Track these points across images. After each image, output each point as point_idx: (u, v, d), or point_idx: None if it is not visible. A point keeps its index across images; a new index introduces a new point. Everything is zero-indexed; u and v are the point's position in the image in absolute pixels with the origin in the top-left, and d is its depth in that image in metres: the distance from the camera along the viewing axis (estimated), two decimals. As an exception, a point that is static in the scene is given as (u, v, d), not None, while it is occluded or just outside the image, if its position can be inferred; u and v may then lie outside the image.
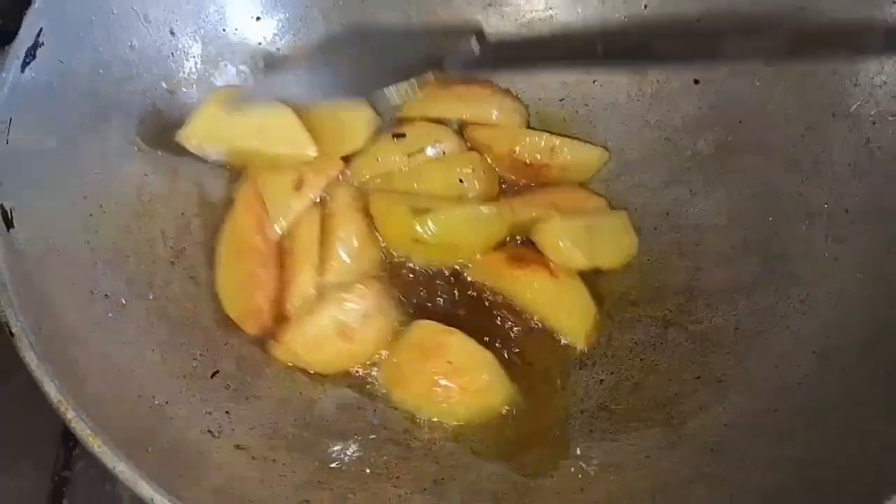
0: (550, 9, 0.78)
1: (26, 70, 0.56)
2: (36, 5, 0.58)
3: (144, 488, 0.43)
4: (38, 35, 0.57)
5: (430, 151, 0.71)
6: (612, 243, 0.71)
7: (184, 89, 0.69)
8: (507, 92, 0.77)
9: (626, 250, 0.71)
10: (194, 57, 0.70)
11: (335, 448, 0.61)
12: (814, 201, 0.66)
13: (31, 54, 0.57)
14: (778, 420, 0.60)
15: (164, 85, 0.68)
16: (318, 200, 0.69)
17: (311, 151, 0.68)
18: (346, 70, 0.67)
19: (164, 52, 0.68)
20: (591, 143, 0.75)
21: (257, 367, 0.64)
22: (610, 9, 0.76)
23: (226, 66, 0.72)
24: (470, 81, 0.75)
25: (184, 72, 0.69)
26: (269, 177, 0.68)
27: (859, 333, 0.60)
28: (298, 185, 0.68)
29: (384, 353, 0.65)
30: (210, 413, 0.57)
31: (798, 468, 0.56)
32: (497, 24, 0.78)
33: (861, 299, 0.61)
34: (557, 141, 0.73)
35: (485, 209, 0.68)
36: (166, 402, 0.55)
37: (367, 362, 0.65)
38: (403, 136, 0.72)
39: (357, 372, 0.65)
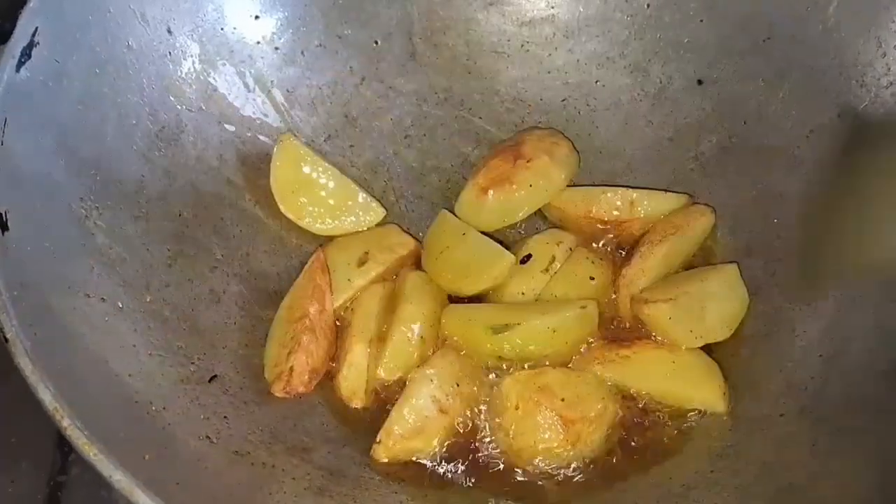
0: (552, 7, 0.77)
1: (21, 70, 0.56)
2: (31, 4, 0.57)
3: (141, 497, 0.43)
4: (34, 34, 0.57)
5: (559, 256, 0.69)
6: (726, 310, 0.65)
7: (181, 89, 0.68)
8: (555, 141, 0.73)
9: (739, 313, 0.66)
10: (192, 56, 0.69)
11: (336, 452, 0.61)
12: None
13: (26, 54, 0.56)
14: (784, 423, 0.59)
15: (161, 85, 0.67)
16: (384, 279, 0.68)
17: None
18: None
19: (161, 52, 0.67)
20: (670, 191, 0.71)
21: (256, 372, 0.64)
22: (611, 8, 0.75)
23: (224, 65, 0.71)
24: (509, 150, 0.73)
25: (182, 71, 0.68)
26: (336, 249, 0.69)
27: (864, 337, 0.59)
28: (363, 262, 0.68)
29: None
30: (208, 419, 0.56)
31: (804, 472, 0.55)
32: (498, 23, 0.77)
33: (866, 302, 0.60)
34: (635, 195, 0.70)
35: (570, 313, 0.63)
36: (164, 408, 0.54)
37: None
38: (530, 257, 0.69)
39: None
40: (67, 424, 0.44)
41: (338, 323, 0.67)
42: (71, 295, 0.55)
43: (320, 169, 0.71)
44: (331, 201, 0.71)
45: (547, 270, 0.68)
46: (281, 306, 0.67)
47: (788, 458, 0.57)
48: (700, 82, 0.73)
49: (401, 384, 0.63)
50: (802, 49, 0.68)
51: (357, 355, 0.64)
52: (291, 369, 0.62)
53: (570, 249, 0.69)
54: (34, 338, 0.47)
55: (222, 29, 0.71)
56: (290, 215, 0.71)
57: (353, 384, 0.64)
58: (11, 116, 0.54)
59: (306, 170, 0.71)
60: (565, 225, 0.72)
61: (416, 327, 0.64)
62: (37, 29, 0.57)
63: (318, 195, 0.71)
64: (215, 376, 0.60)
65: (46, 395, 0.45)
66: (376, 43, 0.76)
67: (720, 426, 0.61)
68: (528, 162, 0.70)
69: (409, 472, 0.60)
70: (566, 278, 0.67)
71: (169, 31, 0.67)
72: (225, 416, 0.57)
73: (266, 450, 0.57)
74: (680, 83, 0.74)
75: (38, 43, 0.57)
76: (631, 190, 0.71)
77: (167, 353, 0.58)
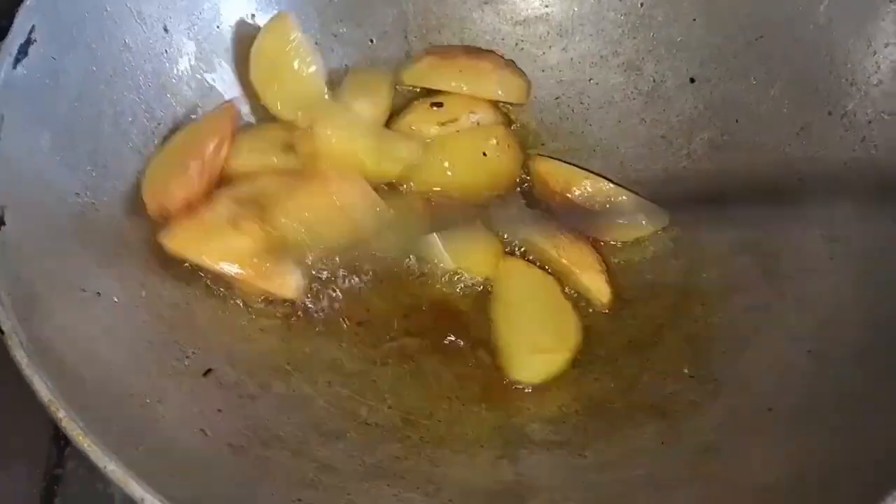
0: (546, 6, 0.78)
1: (18, 67, 0.56)
2: (28, 2, 0.57)
3: (135, 488, 0.43)
4: (31, 32, 0.57)
5: (464, 122, 0.71)
6: None
7: (178, 87, 0.69)
8: (510, 64, 0.76)
9: None
10: (188, 54, 0.69)
11: (329, 446, 0.61)
12: (809, 200, 0.66)
13: (23, 51, 0.57)
14: (773, 419, 0.59)
15: (158, 83, 0.67)
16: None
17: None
18: None
19: (157, 50, 0.67)
20: (652, 201, 0.72)
21: (250, 366, 0.64)
22: (605, 7, 0.76)
23: (220, 63, 0.71)
24: (472, 53, 0.75)
25: (178, 69, 0.68)
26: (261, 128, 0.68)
27: (854, 333, 0.59)
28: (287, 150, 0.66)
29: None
30: (203, 412, 0.57)
31: (793, 467, 0.56)
32: (492, 22, 0.78)
33: (856, 298, 0.61)
34: (623, 197, 0.71)
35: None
36: (158, 401, 0.54)
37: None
38: (441, 105, 0.72)
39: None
40: (63, 416, 0.45)
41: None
42: (67, 289, 0.55)
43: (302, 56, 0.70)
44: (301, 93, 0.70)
45: (444, 125, 0.71)
46: (175, 137, 0.66)
47: (776, 455, 0.58)
48: (692, 81, 0.74)
49: None
50: (794, 48, 0.68)
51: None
52: (170, 191, 0.62)
53: (478, 123, 0.72)
54: (30, 331, 0.48)
55: (218, 27, 0.71)
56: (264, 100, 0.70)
57: None
58: (8, 113, 0.55)
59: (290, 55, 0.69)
60: (544, 196, 0.73)
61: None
62: (34, 26, 0.57)
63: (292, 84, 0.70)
64: (210, 370, 0.60)
65: (42, 387, 0.45)
66: (371, 41, 0.77)
67: (710, 421, 0.62)
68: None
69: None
70: (465, 140, 0.71)
71: (165, 30, 0.68)
72: (219, 409, 0.58)
73: (260, 443, 0.57)
74: (673, 81, 0.74)
75: (35, 40, 0.57)
76: (620, 189, 0.71)
77: (162, 347, 0.59)
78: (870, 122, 0.64)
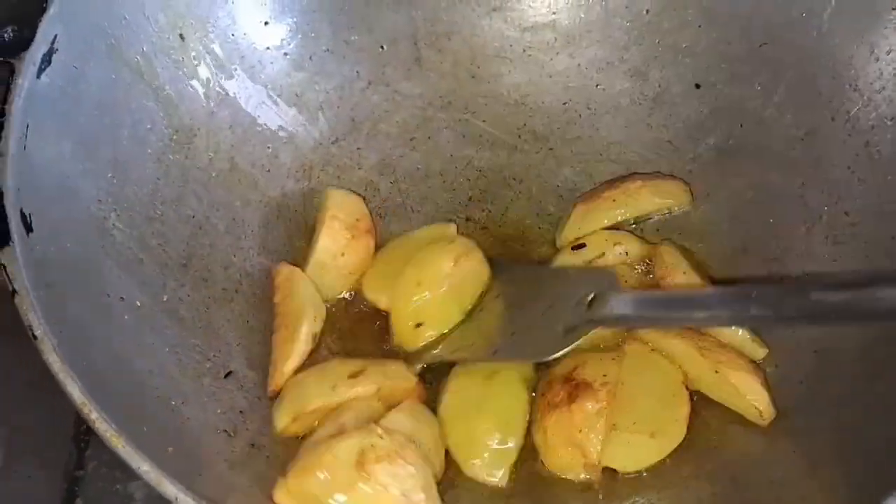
0: (553, 13, 0.79)
1: (42, 76, 0.57)
2: (51, 11, 0.58)
3: (168, 487, 0.44)
4: (54, 41, 0.58)
5: (610, 256, 0.69)
6: None
7: (194, 94, 0.70)
8: (657, 174, 0.74)
9: None
10: (204, 62, 0.70)
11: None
12: (813, 204, 0.67)
13: (46, 60, 0.57)
14: (778, 419, 0.61)
15: (175, 90, 0.68)
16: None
17: None
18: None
19: (174, 58, 0.68)
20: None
21: (268, 368, 0.65)
22: (612, 14, 0.77)
23: (235, 70, 0.72)
24: (613, 182, 0.74)
25: (194, 77, 0.70)
26: (337, 362, 0.64)
27: (858, 333, 0.61)
28: (354, 375, 0.61)
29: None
30: (225, 413, 0.58)
31: (801, 464, 0.57)
32: (501, 28, 0.79)
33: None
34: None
35: None
36: (182, 403, 0.56)
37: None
38: (583, 245, 0.70)
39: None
40: (96, 417, 0.46)
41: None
42: (91, 295, 0.56)
43: None
44: None
45: (591, 263, 0.69)
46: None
47: (779, 454, 0.59)
48: (698, 86, 0.75)
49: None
50: (797, 54, 0.70)
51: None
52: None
53: (626, 253, 0.69)
54: (60, 335, 0.49)
55: (233, 35, 0.72)
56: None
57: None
58: (33, 122, 0.56)
59: None
60: None
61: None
62: (56, 35, 0.58)
63: None
64: (230, 372, 0.62)
65: (75, 390, 0.46)
66: (382, 48, 0.78)
67: (717, 420, 0.63)
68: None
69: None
70: None
71: (182, 38, 0.69)
72: (241, 411, 0.59)
73: (281, 443, 0.58)
74: (678, 87, 0.76)
75: (57, 49, 0.58)
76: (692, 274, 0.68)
77: (183, 351, 0.60)
78: (873, 127, 0.65)
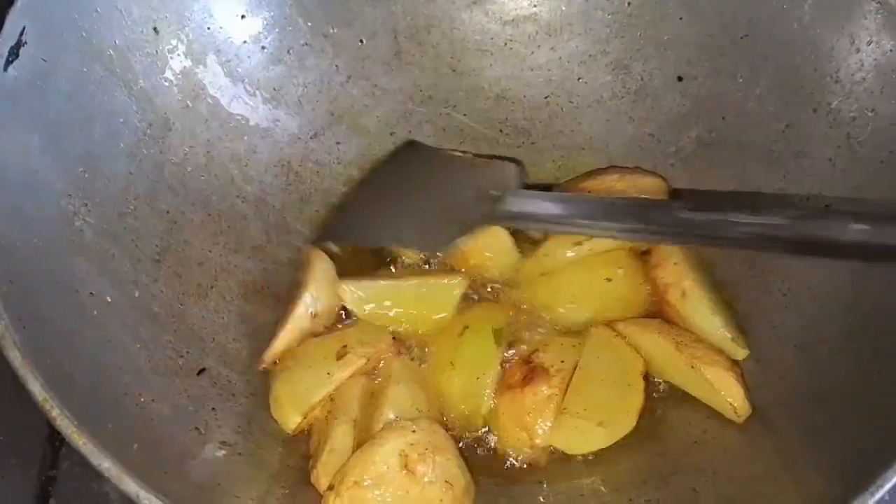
0: (534, 6, 0.78)
1: (9, 69, 0.56)
2: (19, 4, 0.57)
3: (129, 484, 0.44)
4: (22, 34, 0.57)
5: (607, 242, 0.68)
6: None
7: (169, 88, 0.69)
8: (636, 169, 0.74)
9: None
10: (179, 55, 0.69)
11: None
12: (795, 196, 0.67)
13: (14, 53, 0.57)
14: (759, 413, 0.60)
15: (149, 84, 0.67)
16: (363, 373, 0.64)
17: None
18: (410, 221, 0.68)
19: (148, 51, 0.67)
20: None
21: (243, 366, 0.64)
22: (593, 6, 0.76)
23: (211, 64, 0.71)
24: (594, 172, 0.74)
25: (169, 70, 0.69)
26: (313, 346, 0.65)
27: (838, 326, 0.60)
28: (341, 356, 0.64)
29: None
30: (197, 411, 0.57)
31: (779, 460, 0.57)
32: (481, 22, 0.78)
33: (840, 292, 0.62)
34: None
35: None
36: (152, 401, 0.55)
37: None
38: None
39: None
40: (57, 414, 0.45)
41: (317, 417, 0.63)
42: (60, 290, 0.55)
43: None
44: None
45: (581, 244, 0.68)
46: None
47: (764, 447, 0.59)
48: (680, 79, 0.74)
49: None
50: (778, 46, 0.69)
51: (338, 438, 0.59)
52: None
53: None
54: (23, 331, 0.48)
55: (209, 28, 0.71)
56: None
57: (335, 469, 0.57)
58: (0, 115, 0.55)
59: None
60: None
61: (406, 409, 0.61)
62: (24, 28, 0.57)
63: None
64: (203, 369, 0.61)
65: (36, 386, 0.45)
66: (361, 42, 0.77)
67: (698, 415, 0.63)
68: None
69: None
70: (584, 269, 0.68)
71: (156, 31, 0.68)
72: (213, 408, 0.58)
73: (253, 440, 0.58)
74: (660, 80, 0.75)
75: (25, 42, 0.57)
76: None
77: (156, 347, 0.59)
78: (854, 118, 0.65)
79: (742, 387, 0.61)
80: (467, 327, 0.66)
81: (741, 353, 0.64)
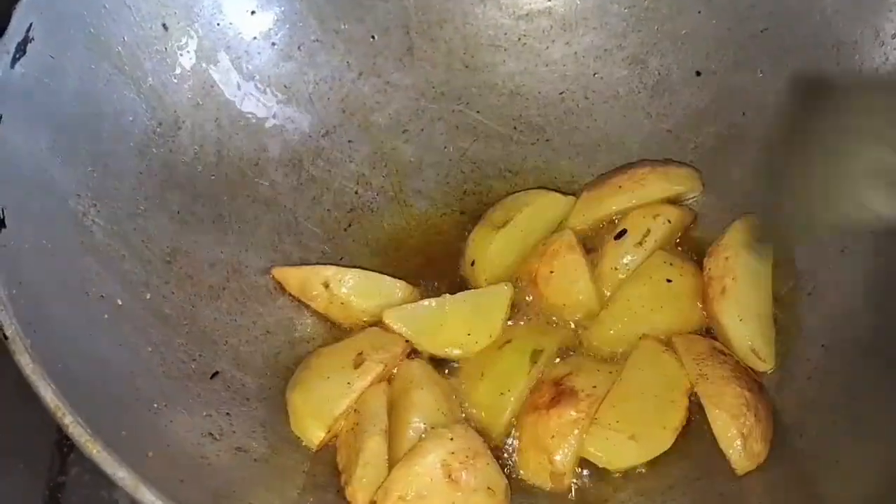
0: (549, 0, 0.77)
1: (16, 66, 0.55)
2: (25, 0, 0.56)
3: (145, 494, 0.42)
4: (29, 30, 0.56)
5: (658, 229, 0.67)
6: None
7: (179, 85, 0.68)
8: (667, 161, 0.72)
9: None
10: (188, 52, 0.68)
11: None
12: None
13: (21, 50, 0.56)
14: (787, 415, 0.59)
15: (158, 81, 0.66)
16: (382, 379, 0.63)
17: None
18: None
19: (157, 48, 0.66)
20: None
21: (257, 369, 0.63)
22: (609, 1, 0.75)
23: (221, 61, 0.70)
24: (623, 168, 0.72)
25: (178, 67, 0.67)
26: (328, 357, 0.64)
27: (866, 325, 0.59)
28: (358, 364, 0.62)
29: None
30: (210, 416, 0.56)
31: (808, 464, 0.55)
32: (495, 16, 0.77)
33: (867, 290, 0.60)
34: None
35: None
36: (165, 406, 0.54)
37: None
38: (624, 232, 0.67)
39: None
40: (69, 422, 0.44)
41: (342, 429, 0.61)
42: (70, 293, 0.54)
43: None
44: None
45: (641, 244, 0.66)
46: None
47: (791, 449, 0.57)
48: (698, 74, 0.73)
49: None
50: (800, 39, 0.68)
51: (372, 451, 0.57)
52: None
53: (669, 221, 0.67)
54: (34, 335, 0.47)
55: (218, 24, 0.70)
56: None
57: (371, 484, 0.56)
58: (7, 113, 0.54)
59: None
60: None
61: (430, 413, 0.60)
62: (31, 24, 0.56)
63: None
64: (216, 373, 0.60)
65: (47, 393, 0.44)
66: (373, 37, 0.76)
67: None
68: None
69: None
70: (640, 280, 0.65)
71: (165, 27, 0.67)
72: (227, 413, 0.57)
73: (268, 446, 0.56)
74: (678, 75, 0.74)
75: (32, 39, 0.56)
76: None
77: (168, 351, 0.58)
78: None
79: (741, 440, 0.57)
80: (509, 342, 0.64)
81: (761, 366, 0.61)
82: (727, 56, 0.71)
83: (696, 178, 0.71)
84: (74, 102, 0.60)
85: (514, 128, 0.77)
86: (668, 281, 0.65)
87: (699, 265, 0.66)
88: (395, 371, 0.64)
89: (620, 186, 0.70)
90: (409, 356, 0.64)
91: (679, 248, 0.70)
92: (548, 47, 0.77)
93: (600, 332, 0.65)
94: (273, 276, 0.68)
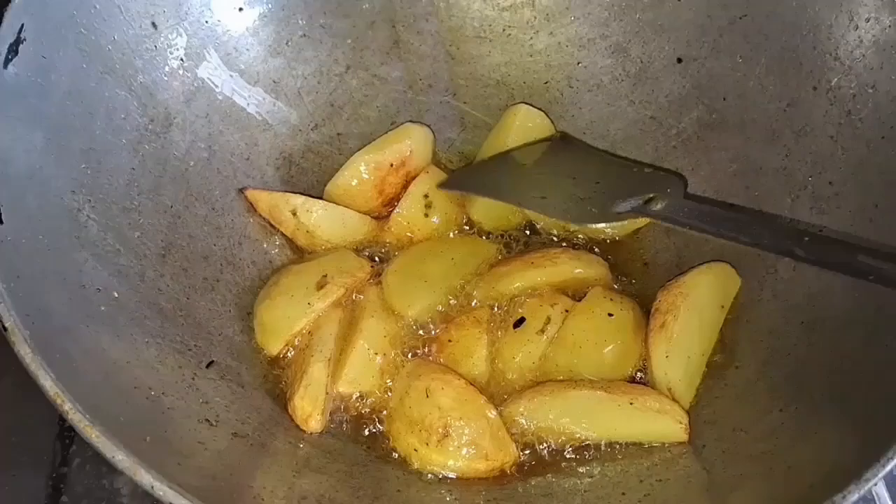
0: (533, -9, 0.78)
1: (9, 66, 0.56)
2: (17, 1, 0.57)
3: (144, 476, 0.44)
4: (20, 31, 0.57)
5: (555, 317, 0.65)
6: None
7: (169, 82, 0.69)
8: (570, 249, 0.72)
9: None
10: (178, 50, 0.69)
11: (332, 433, 0.62)
12: (797, 175, 0.67)
13: (13, 50, 0.56)
14: (767, 389, 0.61)
15: (149, 79, 0.67)
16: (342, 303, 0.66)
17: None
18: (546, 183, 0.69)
19: (147, 46, 0.67)
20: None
21: (251, 358, 0.65)
22: (592, -7, 0.76)
23: (210, 57, 0.71)
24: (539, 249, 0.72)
25: (168, 65, 0.69)
26: (293, 275, 0.66)
27: (843, 302, 0.60)
28: (321, 286, 0.65)
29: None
30: (206, 403, 0.57)
31: (790, 435, 0.57)
32: (479, 8, 0.78)
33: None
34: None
35: None
36: (162, 394, 0.55)
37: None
38: (523, 320, 0.66)
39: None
40: (69, 408, 0.45)
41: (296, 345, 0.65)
42: (67, 286, 0.55)
43: None
44: None
45: (543, 332, 0.65)
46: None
47: (769, 424, 0.59)
48: (679, 61, 0.74)
49: (360, 401, 0.64)
50: (778, 25, 0.69)
51: (315, 374, 0.61)
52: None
53: (566, 311, 0.66)
54: (32, 327, 0.48)
55: (207, 22, 0.71)
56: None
57: (309, 404, 0.60)
58: (0, 112, 0.55)
59: None
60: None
61: (377, 340, 0.64)
62: (23, 25, 0.57)
63: None
64: (212, 362, 0.61)
65: (47, 381, 0.46)
66: (360, 32, 0.77)
67: (707, 393, 0.63)
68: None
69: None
70: (583, 315, 0.65)
71: (154, 26, 0.68)
72: (223, 400, 0.58)
73: (264, 431, 0.58)
74: (660, 62, 0.75)
75: (24, 39, 0.57)
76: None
77: (164, 341, 0.59)
78: (854, 95, 0.64)
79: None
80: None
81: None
82: (707, 43, 0.73)
83: (605, 268, 0.70)
84: (67, 101, 0.61)
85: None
86: (610, 315, 0.65)
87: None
88: (354, 295, 0.67)
89: (532, 263, 0.69)
90: (371, 281, 0.68)
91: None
92: (532, 38, 0.78)
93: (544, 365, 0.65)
94: (246, 196, 0.71)
